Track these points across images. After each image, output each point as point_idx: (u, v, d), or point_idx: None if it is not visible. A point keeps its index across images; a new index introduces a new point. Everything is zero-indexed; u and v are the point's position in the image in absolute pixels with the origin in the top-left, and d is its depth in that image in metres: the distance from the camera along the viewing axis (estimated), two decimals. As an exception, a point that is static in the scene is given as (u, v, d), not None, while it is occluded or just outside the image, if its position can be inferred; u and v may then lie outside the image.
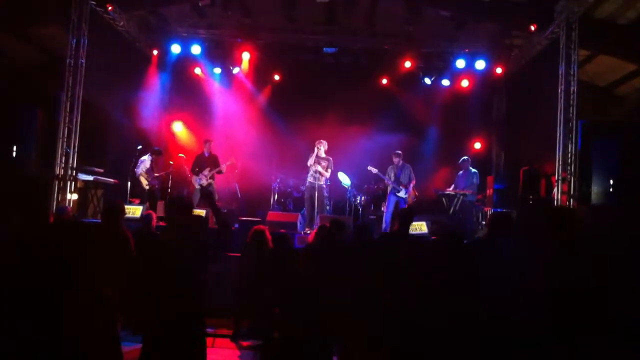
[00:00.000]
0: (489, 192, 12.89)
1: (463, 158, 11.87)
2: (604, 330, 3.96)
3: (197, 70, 14.89)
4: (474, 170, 11.70)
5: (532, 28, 12.17)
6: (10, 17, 11.61)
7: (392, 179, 11.34)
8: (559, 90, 11.15)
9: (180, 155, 12.79)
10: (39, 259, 3.45)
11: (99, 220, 7.35)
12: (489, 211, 11.74)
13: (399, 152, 11.59)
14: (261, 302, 6.62)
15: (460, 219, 11.42)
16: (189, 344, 4.58)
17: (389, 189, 11.45)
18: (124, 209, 6.36)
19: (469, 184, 11.50)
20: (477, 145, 15.31)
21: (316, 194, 11.25)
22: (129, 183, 11.73)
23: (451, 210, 11.26)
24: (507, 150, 15.21)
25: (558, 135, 11.10)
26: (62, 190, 10.96)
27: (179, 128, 15.11)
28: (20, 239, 3.99)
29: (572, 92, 11.04)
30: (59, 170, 11.02)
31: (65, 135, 11.14)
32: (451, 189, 11.64)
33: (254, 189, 14.07)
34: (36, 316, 3.23)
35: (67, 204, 10.71)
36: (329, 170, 11.59)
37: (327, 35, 14.16)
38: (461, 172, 11.73)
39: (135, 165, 11.83)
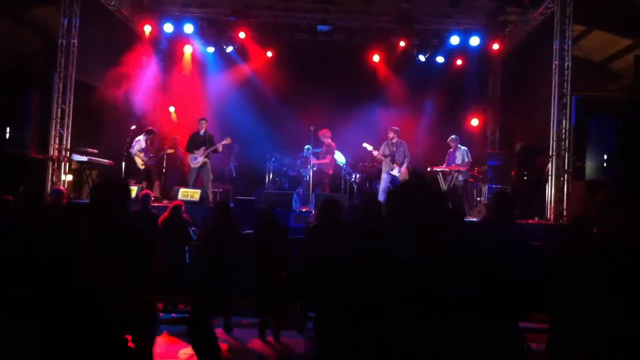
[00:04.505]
0: (484, 168, 12.90)
1: (452, 137, 11.88)
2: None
3: (189, 49, 14.78)
4: (463, 147, 11.71)
5: (525, 2, 12.14)
6: (5, -1, 11.57)
7: (387, 156, 11.33)
8: (554, 66, 11.13)
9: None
10: (40, 244, 3.39)
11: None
12: (484, 187, 11.78)
13: (396, 128, 11.57)
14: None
15: (454, 195, 11.44)
16: None
17: (383, 166, 11.45)
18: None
19: (461, 161, 11.52)
20: (475, 122, 15.26)
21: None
22: (124, 163, 11.71)
23: (445, 187, 11.27)
24: (502, 127, 15.19)
25: (552, 110, 11.10)
26: (57, 172, 10.98)
27: (173, 108, 15.04)
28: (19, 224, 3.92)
29: (566, 67, 11.03)
30: (53, 152, 11.03)
31: (59, 117, 11.15)
32: (444, 166, 11.66)
33: (249, 169, 14.08)
34: (40, 309, 3.15)
35: (61, 185, 10.72)
36: (327, 156, 12.15)
37: (321, 14, 14.06)
38: (451, 150, 11.73)
39: (130, 145, 11.80)
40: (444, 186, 11.32)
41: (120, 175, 11.56)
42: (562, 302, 4.46)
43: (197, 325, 5.51)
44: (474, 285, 4.37)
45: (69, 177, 11.24)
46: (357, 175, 12.92)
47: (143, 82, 13.66)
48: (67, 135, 11.22)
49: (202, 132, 11.79)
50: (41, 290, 3.17)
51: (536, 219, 11.09)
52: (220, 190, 12.73)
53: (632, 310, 3.85)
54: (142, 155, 11.77)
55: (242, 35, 13.85)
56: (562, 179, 10.93)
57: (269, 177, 13.30)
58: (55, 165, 11.03)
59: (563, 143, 11.01)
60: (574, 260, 4.55)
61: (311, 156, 12.07)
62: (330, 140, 12.29)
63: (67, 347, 3.12)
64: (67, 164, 11.21)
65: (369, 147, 11.43)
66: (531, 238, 7.04)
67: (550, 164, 11.08)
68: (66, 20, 11.17)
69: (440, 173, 11.50)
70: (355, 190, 12.98)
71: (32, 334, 3.05)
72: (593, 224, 4.94)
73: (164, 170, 12.66)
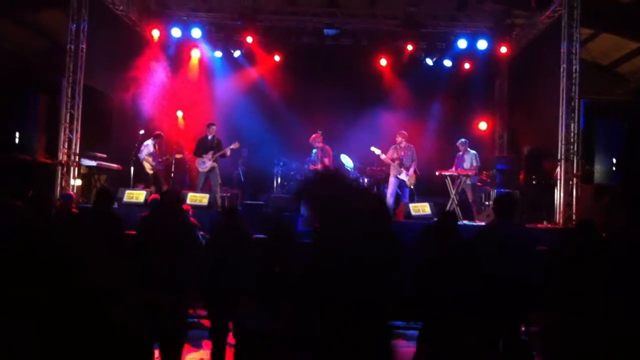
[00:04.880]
0: (492, 171, 12.86)
1: (461, 140, 11.85)
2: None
3: (197, 53, 14.82)
4: (472, 151, 11.69)
5: (532, 5, 12.14)
6: (11, 3, 11.60)
7: (395, 160, 11.32)
8: (561, 69, 11.11)
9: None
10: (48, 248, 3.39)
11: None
12: (492, 191, 11.74)
13: (404, 132, 11.56)
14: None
15: (463, 199, 11.43)
16: None
17: (391, 170, 11.44)
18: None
19: (469, 165, 11.49)
20: (483, 126, 15.22)
21: None
22: (132, 168, 11.75)
23: (454, 191, 11.25)
24: (510, 130, 15.16)
25: (561, 114, 11.08)
26: (66, 176, 11.03)
27: (180, 113, 15.07)
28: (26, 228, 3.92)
29: (574, 70, 11.00)
30: (62, 156, 11.07)
31: (68, 121, 11.19)
32: (453, 169, 11.63)
33: (257, 173, 14.09)
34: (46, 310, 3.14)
35: (70, 190, 10.77)
36: (325, 160, 11.99)
37: (327, 17, 14.08)
38: (460, 153, 11.70)
39: (139, 150, 11.84)
40: (451, 190, 11.32)
41: (129, 179, 11.63)
42: (562, 302, 4.47)
43: (217, 329, 5.59)
44: (473, 286, 4.39)
45: (78, 182, 11.28)
46: (365, 180, 12.92)
47: (151, 87, 13.70)
48: (76, 140, 11.27)
49: (210, 137, 11.81)
50: (41, 291, 3.18)
51: (545, 222, 11.06)
52: (229, 194, 12.74)
53: (631, 310, 3.85)
54: (150, 159, 11.80)
55: (249, 39, 13.89)
56: (571, 182, 10.89)
57: (276, 181, 13.32)
58: (65, 170, 11.07)
59: (572, 147, 10.98)
60: (574, 261, 4.56)
61: (317, 161, 12.08)
62: (322, 145, 12.23)
63: (67, 348, 3.13)
64: (76, 168, 11.26)
65: (377, 151, 11.42)
66: (539, 242, 7.04)
67: (559, 168, 11.05)
68: (74, 25, 11.20)
69: (448, 177, 11.48)
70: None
71: (32, 334, 3.06)
72: (598, 227, 4.95)
73: (172, 175, 12.68)
